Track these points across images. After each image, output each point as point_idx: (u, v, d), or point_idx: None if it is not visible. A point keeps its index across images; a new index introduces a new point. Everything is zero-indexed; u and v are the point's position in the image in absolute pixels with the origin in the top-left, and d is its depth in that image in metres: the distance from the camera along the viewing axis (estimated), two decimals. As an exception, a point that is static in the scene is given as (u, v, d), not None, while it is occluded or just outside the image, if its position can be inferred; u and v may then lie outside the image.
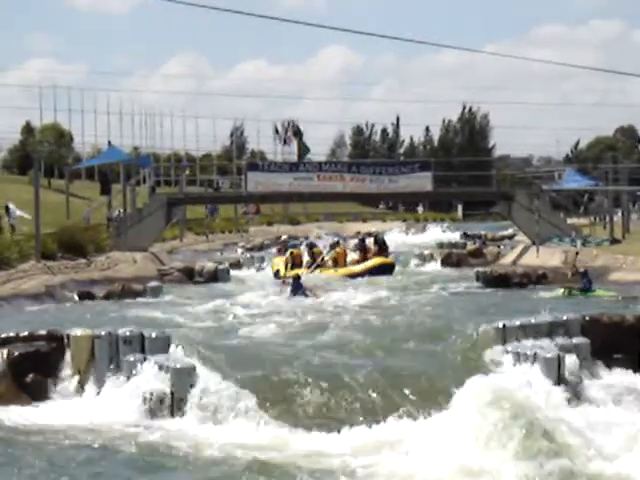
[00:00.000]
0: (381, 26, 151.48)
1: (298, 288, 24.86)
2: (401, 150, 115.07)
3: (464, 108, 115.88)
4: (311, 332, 18.08)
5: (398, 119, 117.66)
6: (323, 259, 32.68)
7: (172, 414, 12.94)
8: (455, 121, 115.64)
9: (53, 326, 15.32)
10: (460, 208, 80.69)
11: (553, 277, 28.23)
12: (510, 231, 51.59)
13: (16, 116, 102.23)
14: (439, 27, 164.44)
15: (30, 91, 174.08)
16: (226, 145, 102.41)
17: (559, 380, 13.12)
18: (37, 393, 14.04)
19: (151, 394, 13.05)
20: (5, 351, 14.31)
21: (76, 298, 25.61)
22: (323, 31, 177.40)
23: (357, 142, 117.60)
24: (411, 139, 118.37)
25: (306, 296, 24.58)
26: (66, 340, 14.41)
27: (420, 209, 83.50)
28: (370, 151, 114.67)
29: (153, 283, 27.76)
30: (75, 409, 13.41)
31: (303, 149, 50.34)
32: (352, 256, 33.56)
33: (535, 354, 13.42)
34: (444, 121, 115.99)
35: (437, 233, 58.74)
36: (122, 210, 39.77)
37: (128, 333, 14.11)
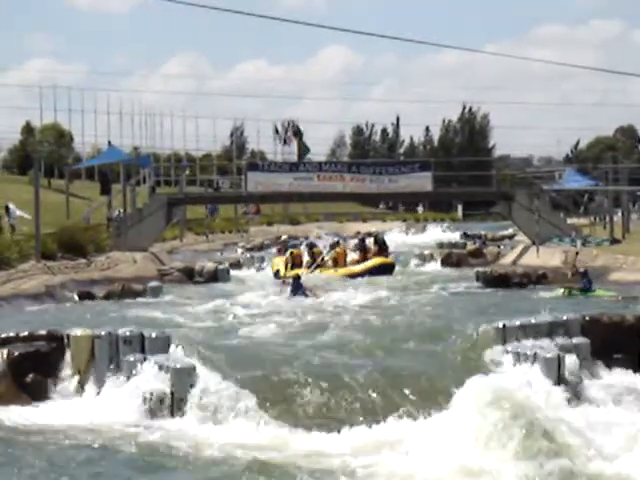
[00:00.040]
0: (381, 26, 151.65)
1: (298, 288, 24.86)
2: (401, 150, 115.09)
3: (464, 108, 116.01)
4: (311, 332, 18.08)
5: (398, 119, 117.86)
6: (323, 259, 32.68)
7: (172, 414, 12.94)
8: (455, 121, 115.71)
9: (53, 326, 15.32)
10: (460, 208, 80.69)
11: (553, 277, 28.23)
12: (510, 231, 51.58)
13: (16, 116, 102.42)
14: (439, 27, 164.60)
15: (30, 91, 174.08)
16: (226, 145, 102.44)
17: (559, 380, 13.12)
18: (37, 393, 14.04)
19: (151, 394, 13.05)
20: (5, 351, 14.31)
21: (76, 298, 25.62)
22: (323, 31, 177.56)
23: (357, 142, 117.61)
24: (411, 139, 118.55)
25: (306, 296, 24.58)
26: (66, 340, 14.41)
27: (420, 209, 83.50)
28: (370, 151, 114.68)
29: (153, 283, 27.76)
30: (75, 409, 13.40)
31: (303, 149, 50.33)
32: (352, 256, 33.56)
33: (535, 354, 13.42)
34: (444, 121, 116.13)
35: (437, 233, 58.72)
36: (122, 210, 39.76)
37: (128, 333, 14.11)
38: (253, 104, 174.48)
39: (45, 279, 26.68)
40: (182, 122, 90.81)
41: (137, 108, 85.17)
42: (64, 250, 30.28)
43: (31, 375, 14.18)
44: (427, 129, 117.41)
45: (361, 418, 12.48)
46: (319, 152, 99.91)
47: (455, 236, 52.57)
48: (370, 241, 35.05)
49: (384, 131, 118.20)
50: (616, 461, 10.57)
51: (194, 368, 13.27)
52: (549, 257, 31.80)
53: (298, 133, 55.60)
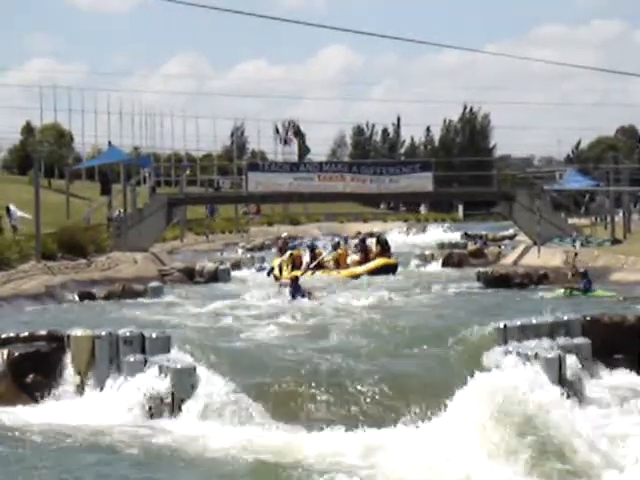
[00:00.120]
0: (381, 26, 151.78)
1: (297, 290, 24.79)
2: (402, 150, 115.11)
3: (465, 108, 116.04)
4: (311, 333, 18.08)
5: (399, 119, 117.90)
6: (322, 260, 32.61)
7: (172, 415, 12.92)
8: (456, 121, 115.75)
9: (53, 326, 15.30)
10: (461, 208, 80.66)
11: (554, 277, 28.20)
12: (511, 231, 51.55)
13: (16, 116, 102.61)
14: (439, 27, 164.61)
15: (30, 91, 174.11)
16: (226, 145, 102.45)
17: (560, 380, 13.09)
18: (37, 393, 14.03)
19: (151, 395, 13.04)
20: (5, 351, 14.30)
21: (76, 298, 25.61)
22: (323, 31, 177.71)
23: (358, 142, 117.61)
24: (412, 139, 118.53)
25: (305, 297, 24.47)
26: (66, 340, 14.39)
27: (422, 209, 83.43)
28: (371, 151, 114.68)
29: (154, 283, 27.74)
30: (75, 410, 13.39)
31: (303, 149, 50.36)
32: (352, 257, 33.43)
33: (536, 354, 13.40)
34: (445, 121, 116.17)
35: (438, 233, 58.67)
36: (122, 210, 39.73)
37: (128, 333, 14.09)
38: (253, 104, 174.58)
39: (45, 279, 26.66)
40: (182, 122, 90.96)
41: (137, 108, 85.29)
42: (64, 250, 30.25)
43: (31, 375, 14.18)
44: (428, 129, 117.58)
45: (364, 420, 12.45)
46: (320, 152, 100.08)
47: (456, 236, 52.53)
48: (371, 241, 35.01)
49: (385, 131, 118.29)
50: (616, 461, 10.54)
51: (194, 369, 13.25)
52: (550, 257, 31.77)
53: (299, 134, 55.64)
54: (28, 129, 78.36)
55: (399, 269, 33.52)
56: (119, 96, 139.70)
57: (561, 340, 14.27)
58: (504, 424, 10.52)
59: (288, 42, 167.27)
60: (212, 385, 13.05)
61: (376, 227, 61.29)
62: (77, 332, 14.41)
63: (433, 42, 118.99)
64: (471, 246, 41.19)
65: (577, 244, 32.12)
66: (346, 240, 37.22)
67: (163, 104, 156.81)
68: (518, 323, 14.59)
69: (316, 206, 65.27)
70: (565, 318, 14.94)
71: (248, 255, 40.52)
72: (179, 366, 13.23)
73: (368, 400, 13.09)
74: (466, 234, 51.97)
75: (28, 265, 27.54)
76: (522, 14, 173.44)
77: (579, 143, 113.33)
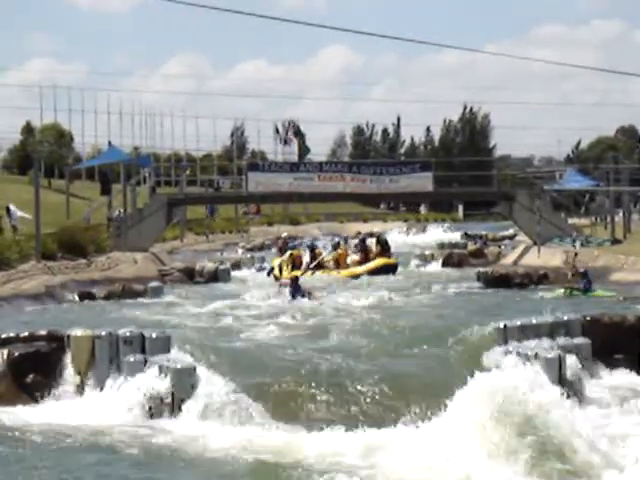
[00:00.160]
0: (381, 26, 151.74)
1: (297, 290, 24.79)
2: (402, 150, 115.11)
3: (465, 108, 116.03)
4: (311, 333, 18.08)
5: (399, 119, 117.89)
6: (322, 260, 32.60)
7: (172, 415, 12.92)
8: (456, 121, 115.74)
9: (53, 326, 15.30)
10: (461, 208, 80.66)
11: (554, 277, 28.20)
12: (511, 231, 51.54)
13: (16, 116, 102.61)
14: (439, 27, 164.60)
15: (30, 91, 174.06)
16: (226, 145, 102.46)
17: (560, 380, 13.09)
18: (37, 393, 14.02)
19: (151, 395, 13.04)
20: (5, 351, 14.30)
21: (76, 298, 25.61)
22: (323, 31, 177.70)
23: (358, 142, 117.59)
24: (412, 139, 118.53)
25: (305, 297, 24.46)
26: (66, 340, 14.39)
27: (423, 209, 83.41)
28: (371, 151, 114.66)
29: (154, 283, 27.74)
30: (75, 410, 13.38)
31: (303, 149, 50.37)
32: (352, 257, 33.40)
33: (536, 354, 13.40)
34: (445, 121, 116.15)
35: (438, 233, 58.66)
36: (122, 210, 39.72)
37: (128, 333, 14.09)
38: (253, 104, 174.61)
39: (45, 279, 26.66)
40: (182, 122, 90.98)
41: (137, 108, 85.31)
42: (64, 250, 30.25)
43: (31, 375, 14.17)
44: (428, 129, 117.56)
45: (363, 420, 12.45)
46: (320, 152, 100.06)
47: (456, 236, 52.52)
48: (371, 241, 35.00)
49: (385, 131, 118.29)
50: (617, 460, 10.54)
51: (194, 369, 13.25)
52: (550, 257, 31.77)
53: (299, 134, 55.63)
54: (28, 129, 78.37)
55: (399, 269, 33.51)
56: (119, 96, 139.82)
57: (561, 340, 14.27)
58: (504, 424, 10.52)
59: (288, 42, 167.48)
60: (212, 385, 13.05)
61: (376, 227, 61.28)
62: (77, 332, 14.41)
63: (433, 42, 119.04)
64: (471, 246, 41.18)
65: (577, 244, 32.13)
66: (346, 240, 37.18)
67: (163, 104, 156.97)
68: (518, 323, 14.59)
69: (316, 206, 65.27)
70: (565, 318, 14.94)
71: (248, 255, 40.52)
72: (179, 366, 13.22)
73: (368, 400, 13.09)
74: (466, 234, 51.97)
75: (28, 265, 27.54)
76: (522, 14, 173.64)
77: (579, 143, 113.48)
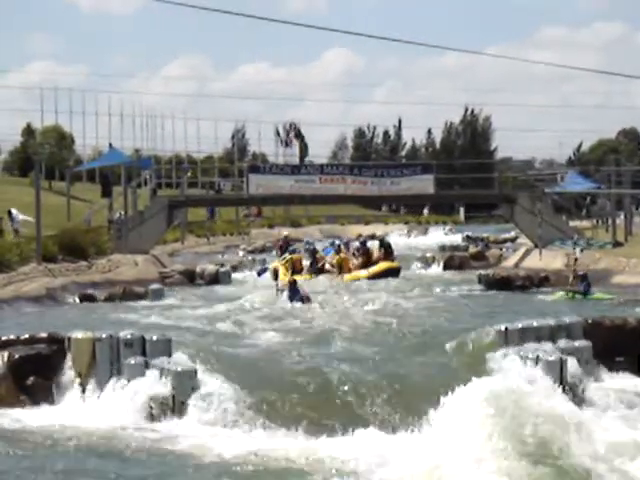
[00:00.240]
0: (383, 28, 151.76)
1: (295, 294, 24.71)
2: (403, 152, 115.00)
3: (466, 110, 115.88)
4: (311, 337, 18.06)
5: (400, 121, 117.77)
6: (324, 264, 32.51)
7: (173, 417, 12.91)
8: (457, 123, 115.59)
9: (54, 329, 15.31)
10: (462, 211, 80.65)
11: (555, 280, 28.20)
12: (512, 234, 51.51)
13: (17, 118, 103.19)
14: (441, 29, 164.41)
15: (31, 93, 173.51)
16: (227, 147, 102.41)
17: (561, 383, 13.07)
18: (38, 396, 14.01)
19: (152, 397, 13.03)
20: (6, 354, 14.29)
21: (77, 301, 25.62)
22: (325, 33, 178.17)
23: (359, 144, 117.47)
24: (413, 141, 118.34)
25: (303, 301, 24.36)
26: (67, 343, 14.37)
27: (426, 212, 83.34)
28: (372, 153, 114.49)
29: (154, 286, 27.74)
30: (76, 412, 13.38)
31: (304, 151, 50.37)
32: (353, 261, 33.22)
33: (537, 357, 13.38)
34: (446, 123, 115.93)
35: (439, 236, 58.66)
36: (123, 212, 39.70)
37: (129, 336, 14.08)
38: (254, 106, 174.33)
39: (46, 282, 26.66)
40: (183, 124, 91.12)
41: (138, 110, 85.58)
42: (65, 252, 30.26)
43: (32, 378, 14.16)
44: (429, 131, 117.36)
45: (363, 423, 12.42)
46: (321, 154, 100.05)
47: (457, 239, 52.50)
48: (373, 244, 34.92)
49: (386, 133, 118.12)
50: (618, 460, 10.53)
51: (195, 371, 13.25)
52: (551, 260, 31.75)
53: (299, 136, 55.63)
54: (29, 131, 78.39)
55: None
56: (120, 98, 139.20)
57: (562, 343, 14.25)
58: (505, 427, 10.50)
59: (290, 44, 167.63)
60: (212, 388, 13.04)
61: (377, 230, 61.25)
62: (78, 334, 14.40)
63: (434, 44, 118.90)
64: (472, 249, 41.13)
65: (577, 249, 32.10)
66: (347, 244, 37.01)
67: (164, 106, 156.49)
68: (519, 326, 14.57)
69: (317, 208, 65.26)
70: (566, 321, 14.92)
71: (249, 257, 40.48)
72: (180, 369, 13.22)
73: (369, 403, 13.06)
74: (467, 237, 51.93)
75: (29, 267, 27.55)
76: (523, 16, 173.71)
77: (580, 145, 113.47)
